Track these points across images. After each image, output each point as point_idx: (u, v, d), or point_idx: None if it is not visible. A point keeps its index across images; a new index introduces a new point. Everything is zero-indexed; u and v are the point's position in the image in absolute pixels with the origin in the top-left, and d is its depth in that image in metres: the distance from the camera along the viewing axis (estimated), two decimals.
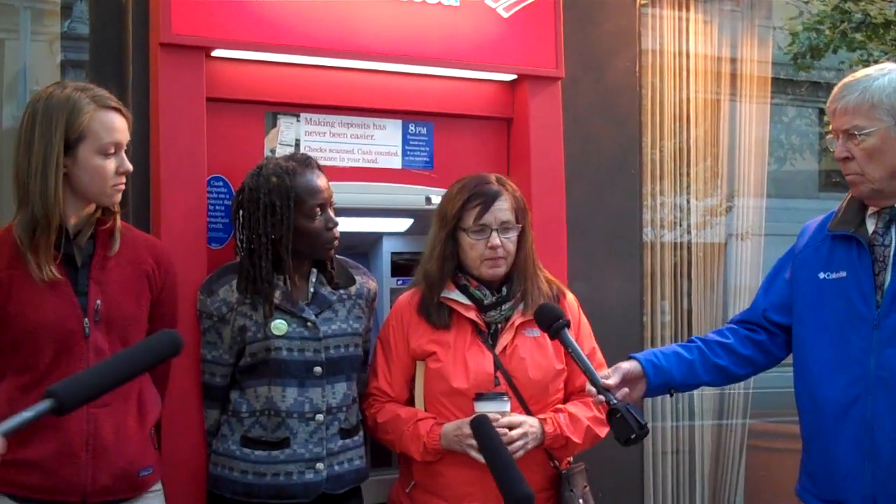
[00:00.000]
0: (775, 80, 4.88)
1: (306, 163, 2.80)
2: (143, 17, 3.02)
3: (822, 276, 2.52)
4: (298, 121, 3.20)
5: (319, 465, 2.73)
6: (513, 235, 2.80)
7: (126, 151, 2.45)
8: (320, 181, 2.79)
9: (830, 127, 2.51)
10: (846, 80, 2.48)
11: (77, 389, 1.92)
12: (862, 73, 2.48)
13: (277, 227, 2.71)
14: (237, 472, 2.74)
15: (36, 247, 2.35)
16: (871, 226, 2.48)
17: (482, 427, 2.46)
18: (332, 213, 2.80)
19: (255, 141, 3.13)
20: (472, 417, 2.58)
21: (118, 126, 2.42)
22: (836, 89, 2.48)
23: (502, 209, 2.78)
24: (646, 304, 4.31)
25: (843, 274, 2.48)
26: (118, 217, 2.50)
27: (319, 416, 2.74)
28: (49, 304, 2.36)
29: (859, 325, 2.44)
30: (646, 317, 4.30)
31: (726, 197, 4.74)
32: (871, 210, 2.50)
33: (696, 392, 4.49)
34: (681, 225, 4.57)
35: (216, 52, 3.00)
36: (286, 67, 3.14)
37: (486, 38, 3.36)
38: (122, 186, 2.46)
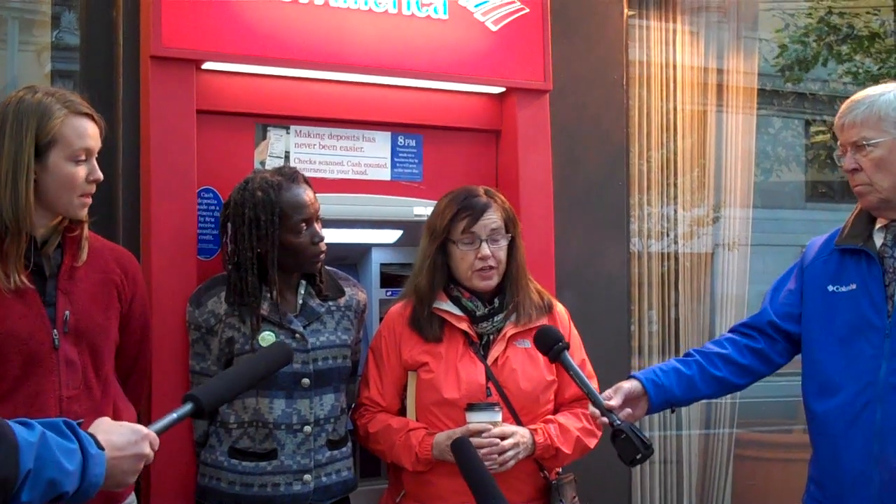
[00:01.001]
0: (761, 92, 4.91)
1: (293, 177, 2.79)
2: (133, 29, 3.04)
3: (831, 288, 2.59)
4: (288, 133, 3.21)
5: (307, 477, 2.73)
6: (503, 244, 2.81)
7: (98, 160, 2.41)
8: (306, 196, 2.77)
9: (838, 142, 2.60)
10: (854, 97, 2.57)
11: (212, 393, 2.07)
12: (868, 90, 2.58)
13: (262, 241, 2.71)
14: (225, 483, 2.73)
15: (4, 255, 2.30)
16: (878, 240, 2.55)
17: (462, 448, 2.41)
18: (318, 228, 2.79)
19: (244, 153, 3.14)
20: (453, 440, 2.54)
21: (90, 132, 2.37)
22: (843, 106, 2.57)
23: (491, 219, 2.79)
24: (633, 313, 4.33)
25: (854, 287, 2.55)
26: (86, 226, 2.45)
27: (307, 428, 2.74)
28: (17, 315, 2.31)
29: (870, 334, 2.50)
30: (633, 326, 4.32)
31: (713, 207, 4.76)
32: (878, 224, 2.57)
33: None
34: (668, 235, 4.59)
35: (206, 65, 3.01)
36: (276, 80, 3.15)
37: (475, 52, 3.38)
38: (91, 196, 2.40)
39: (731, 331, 2.78)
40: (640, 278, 4.41)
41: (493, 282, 2.81)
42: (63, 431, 1.73)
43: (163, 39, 2.90)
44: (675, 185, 4.57)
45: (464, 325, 2.80)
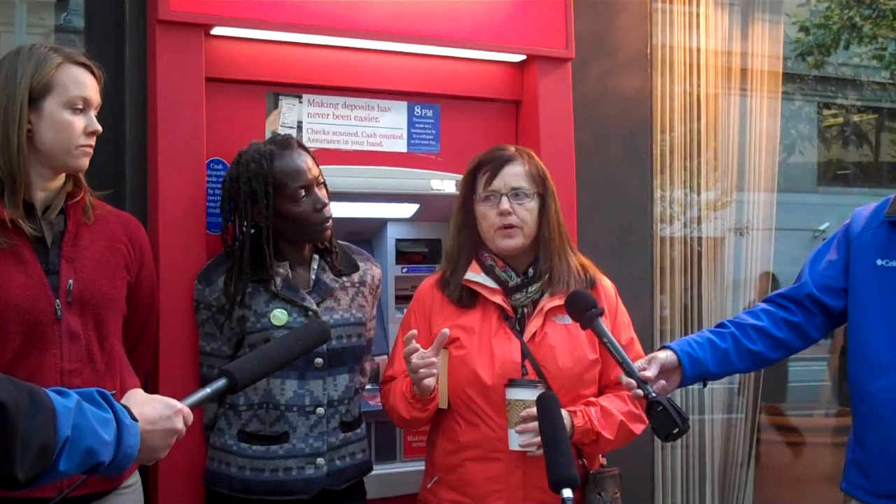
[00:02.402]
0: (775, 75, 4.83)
1: (286, 144, 2.68)
2: None
3: (879, 262, 2.48)
4: (301, 102, 3.10)
5: (320, 460, 2.64)
6: (528, 203, 2.63)
7: (97, 117, 2.34)
8: (302, 162, 2.66)
9: None
10: None
11: (247, 368, 2.02)
12: None
13: (262, 214, 2.62)
14: (234, 467, 2.64)
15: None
16: None
17: (549, 402, 2.27)
18: (320, 194, 2.67)
19: (255, 123, 3.03)
20: (541, 393, 2.36)
21: (87, 82, 2.31)
22: None
23: (513, 174, 2.63)
24: (655, 296, 4.23)
25: None
26: (87, 192, 2.39)
27: (320, 410, 2.64)
28: (17, 284, 2.24)
29: None
30: (655, 308, 4.22)
31: (731, 190, 4.67)
32: None
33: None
34: (688, 218, 4.51)
35: (216, 31, 2.90)
36: (288, 46, 3.04)
37: (494, 18, 3.28)
38: (90, 149, 2.34)
39: (766, 301, 2.66)
40: (660, 262, 4.32)
41: (516, 241, 2.62)
42: (97, 401, 1.70)
43: (171, 3, 2.80)
44: (696, 168, 4.49)
45: (498, 298, 2.63)
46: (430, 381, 2.50)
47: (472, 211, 2.68)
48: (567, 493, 1.96)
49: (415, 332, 2.52)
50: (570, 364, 2.60)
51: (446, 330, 2.52)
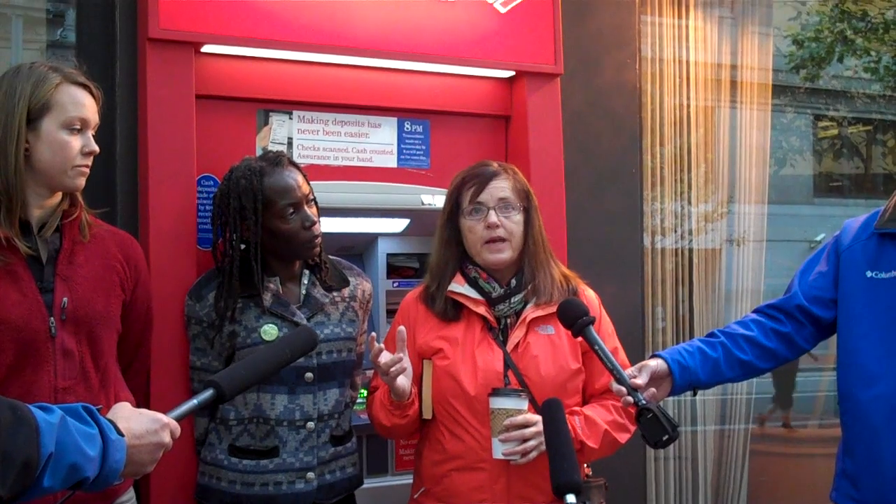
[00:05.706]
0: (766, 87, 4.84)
1: (276, 161, 2.69)
2: (131, 11, 2.96)
3: (869, 274, 2.48)
4: (291, 119, 3.12)
5: (310, 475, 2.65)
6: (514, 216, 2.65)
7: (94, 136, 2.35)
8: (291, 179, 2.67)
9: None
10: None
11: (234, 378, 2.01)
12: None
13: (251, 230, 2.63)
14: (225, 481, 2.64)
15: None
16: None
17: (553, 407, 2.26)
18: (309, 212, 2.68)
19: (246, 139, 3.05)
20: (547, 399, 2.34)
21: (86, 102, 2.32)
22: None
23: (500, 187, 2.64)
24: (646, 307, 4.24)
25: (894, 273, 2.45)
26: (83, 209, 2.39)
27: (310, 424, 2.65)
28: (11, 301, 2.23)
29: None
30: (646, 320, 4.23)
31: (724, 202, 4.68)
32: None
33: (698, 397, 4.43)
34: (679, 231, 4.51)
35: (206, 48, 2.92)
36: (278, 63, 3.06)
37: (483, 34, 3.30)
38: (87, 169, 2.34)
39: (756, 311, 2.66)
40: (652, 274, 4.32)
41: (505, 255, 2.64)
42: (82, 416, 1.69)
43: (161, 21, 2.82)
44: (687, 180, 4.49)
45: (481, 309, 2.64)
46: (402, 382, 2.51)
47: (458, 226, 2.69)
48: (570, 498, 1.96)
49: (402, 328, 2.54)
50: (552, 373, 2.61)
51: (402, 327, 2.55)
